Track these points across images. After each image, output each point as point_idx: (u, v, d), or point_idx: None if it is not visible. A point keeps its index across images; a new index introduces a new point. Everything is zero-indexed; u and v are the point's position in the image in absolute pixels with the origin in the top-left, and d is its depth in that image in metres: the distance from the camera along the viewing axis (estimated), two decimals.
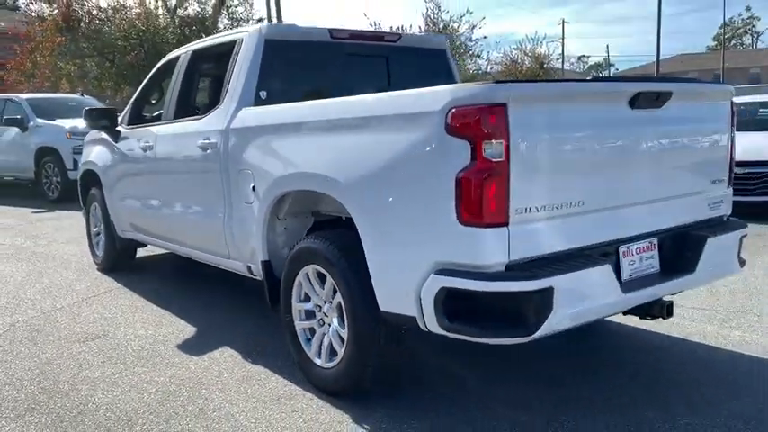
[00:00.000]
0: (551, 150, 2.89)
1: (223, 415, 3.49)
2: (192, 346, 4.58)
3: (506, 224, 2.77)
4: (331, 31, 4.74)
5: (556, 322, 2.84)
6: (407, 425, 3.31)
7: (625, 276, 3.23)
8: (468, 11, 34.60)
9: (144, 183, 5.76)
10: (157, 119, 5.98)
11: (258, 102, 4.35)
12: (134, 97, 6.28)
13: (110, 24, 25.28)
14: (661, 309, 3.41)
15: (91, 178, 6.84)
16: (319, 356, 3.69)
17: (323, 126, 3.56)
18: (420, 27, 28.53)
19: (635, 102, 3.14)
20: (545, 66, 35.07)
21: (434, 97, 2.85)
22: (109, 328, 5.05)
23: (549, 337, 2.87)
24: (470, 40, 29.26)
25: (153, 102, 6.48)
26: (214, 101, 5.00)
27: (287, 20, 30.53)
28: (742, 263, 3.88)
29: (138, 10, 25.88)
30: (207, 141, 4.55)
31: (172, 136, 5.20)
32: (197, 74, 5.55)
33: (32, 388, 3.91)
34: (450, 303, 2.85)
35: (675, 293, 3.60)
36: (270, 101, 4.33)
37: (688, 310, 4.99)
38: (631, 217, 3.29)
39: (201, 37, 26.59)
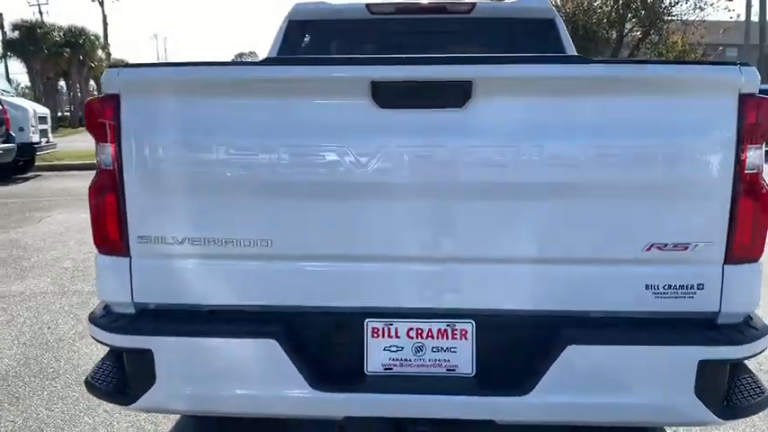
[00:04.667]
0: (200, 163, 2.05)
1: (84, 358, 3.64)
2: None
3: (127, 254, 2.11)
4: (369, 6, 4.08)
5: (163, 399, 2.08)
6: None
7: (373, 367, 2.09)
8: None
9: None
10: None
11: None
12: None
13: None
14: None
15: None
16: None
17: None
18: None
19: (380, 97, 1.95)
20: None
21: None
22: None
23: None
24: None
25: None
26: None
27: None
28: (728, 412, 2.04)
29: None
30: None
31: None
32: None
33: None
34: None
35: (499, 422, 2.09)
36: None
37: None
38: (398, 279, 2.09)
39: (638, 15, 24.77)
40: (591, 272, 2.04)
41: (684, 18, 24.00)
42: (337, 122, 2.00)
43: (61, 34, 44.53)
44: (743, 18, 28.45)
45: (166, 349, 2.04)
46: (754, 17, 28.18)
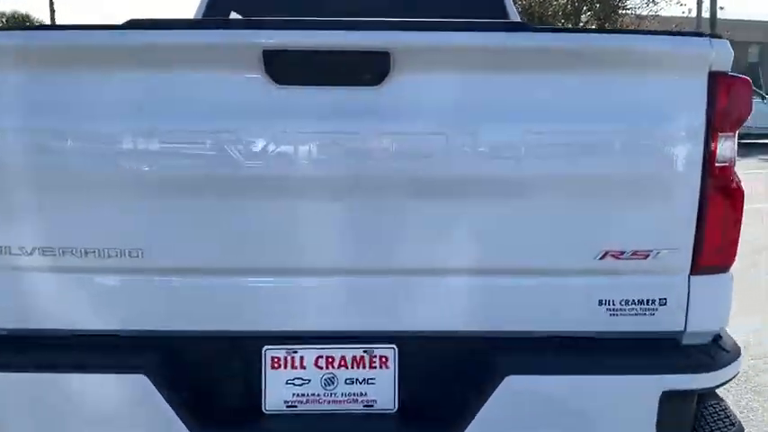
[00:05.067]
0: (50, 153, 1.63)
1: None
2: None
3: None
4: None
5: None
6: None
7: (273, 404, 1.71)
8: None
9: None
10: None
11: None
12: None
13: None
14: None
15: None
16: None
17: None
18: None
19: (275, 70, 1.57)
20: None
21: None
22: None
23: None
24: None
25: None
26: None
27: None
28: None
29: None
30: None
31: None
32: None
33: None
34: None
35: None
36: None
37: None
38: (303, 297, 1.71)
39: (593, 8, 24.79)
40: (534, 285, 1.70)
41: (638, 12, 24.10)
42: (223, 102, 1.61)
43: (3, 20, 42.69)
44: (694, 14, 28.76)
45: (6, 389, 1.62)
46: (705, 13, 28.52)
